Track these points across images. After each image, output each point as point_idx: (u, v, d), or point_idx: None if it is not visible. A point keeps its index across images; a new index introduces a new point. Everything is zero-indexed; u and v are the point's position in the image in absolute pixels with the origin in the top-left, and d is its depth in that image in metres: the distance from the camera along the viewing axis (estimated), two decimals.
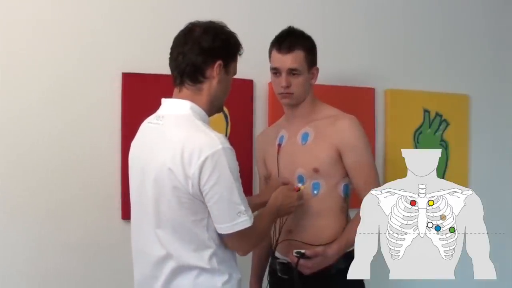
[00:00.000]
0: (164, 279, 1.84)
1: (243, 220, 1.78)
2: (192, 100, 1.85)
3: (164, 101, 1.92)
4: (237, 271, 1.91)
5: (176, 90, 1.90)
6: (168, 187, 1.78)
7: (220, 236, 1.83)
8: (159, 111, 1.91)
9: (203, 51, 1.83)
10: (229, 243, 1.85)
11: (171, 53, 1.89)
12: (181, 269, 1.82)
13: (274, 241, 2.25)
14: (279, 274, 2.28)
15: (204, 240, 1.82)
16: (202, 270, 1.82)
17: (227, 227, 1.79)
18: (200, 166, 1.73)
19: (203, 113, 1.87)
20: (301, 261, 2.06)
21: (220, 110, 2.00)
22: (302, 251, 2.07)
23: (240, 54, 1.94)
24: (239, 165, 1.94)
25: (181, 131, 1.80)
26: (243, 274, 2.36)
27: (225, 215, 1.78)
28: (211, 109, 1.91)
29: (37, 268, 2.38)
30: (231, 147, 1.80)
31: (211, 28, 1.87)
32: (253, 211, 1.97)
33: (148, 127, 1.92)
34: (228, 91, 1.95)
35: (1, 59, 2.33)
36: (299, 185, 2.17)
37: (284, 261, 2.24)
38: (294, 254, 2.07)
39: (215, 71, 1.85)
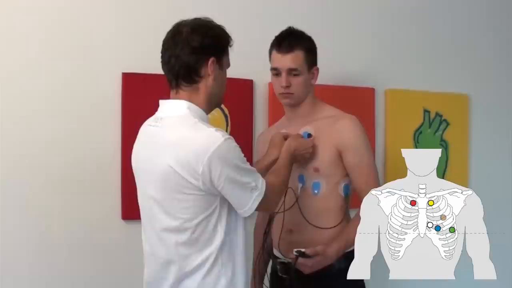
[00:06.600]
0: (172, 281, 1.85)
1: (257, 195, 1.83)
2: (190, 100, 1.85)
3: (162, 102, 1.91)
4: (242, 271, 1.89)
5: (172, 92, 1.89)
6: (174, 187, 1.78)
7: (227, 233, 1.84)
8: (158, 113, 1.91)
9: (195, 51, 1.82)
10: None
11: (162, 57, 1.88)
12: (186, 272, 1.83)
13: (277, 238, 2.27)
14: (279, 274, 2.28)
15: (211, 239, 1.82)
16: (208, 270, 1.82)
17: (247, 210, 1.84)
18: (208, 163, 1.74)
19: (200, 111, 1.86)
20: (302, 260, 2.06)
21: (219, 105, 2.04)
22: (302, 250, 2.06)
23: (230, 46, 1.93)
24: None
25: (181, 131, 1.80)
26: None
27: (243, 199, 1.83)
28: (210, 106, 1.92)
29: (38, 267, 2.38)
30: (230, 136, 1.82)
31: (199, 26, 1.85)
32: (264, 173, 2.06)
33: (148, 130, 1.91)
34: (224, 85, 1.95)
35: (1, 59, 2.33)
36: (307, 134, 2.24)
37: (284, 260, 2.24)
38: (294, 253, 2.07)
39: (209, 69, 1.85)
